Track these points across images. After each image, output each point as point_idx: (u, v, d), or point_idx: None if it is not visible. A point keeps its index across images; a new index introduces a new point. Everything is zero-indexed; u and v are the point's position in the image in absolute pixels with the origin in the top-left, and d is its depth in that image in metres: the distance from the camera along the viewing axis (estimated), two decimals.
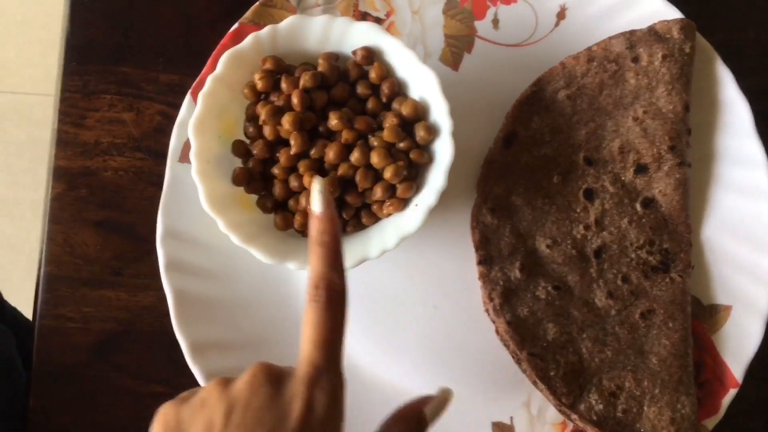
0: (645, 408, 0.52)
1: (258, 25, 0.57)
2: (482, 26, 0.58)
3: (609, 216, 0.55)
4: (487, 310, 0.54)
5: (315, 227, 0.42)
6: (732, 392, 0.53)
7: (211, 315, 0.56)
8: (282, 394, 0.39)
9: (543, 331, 0.53)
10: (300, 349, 0.40)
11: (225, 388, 0.39)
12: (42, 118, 1.40)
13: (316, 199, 0.43)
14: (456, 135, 0.50)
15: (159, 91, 0.60)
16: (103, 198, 0.60)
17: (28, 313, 0.74)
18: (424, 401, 0.42)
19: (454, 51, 0.58)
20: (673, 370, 0.52)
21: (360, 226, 0.52)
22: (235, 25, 0.57)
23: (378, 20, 0.58)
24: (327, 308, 0.40)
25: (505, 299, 0.53)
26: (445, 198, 0.50)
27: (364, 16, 0.58)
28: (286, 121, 0.50)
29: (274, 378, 0.39)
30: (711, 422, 0.54)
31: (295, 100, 0.50)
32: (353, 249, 0.50)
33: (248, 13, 0.57)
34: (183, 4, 0.61)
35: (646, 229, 0.54)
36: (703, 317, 0.55)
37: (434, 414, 0.42)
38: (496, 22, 0.58)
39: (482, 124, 0.57)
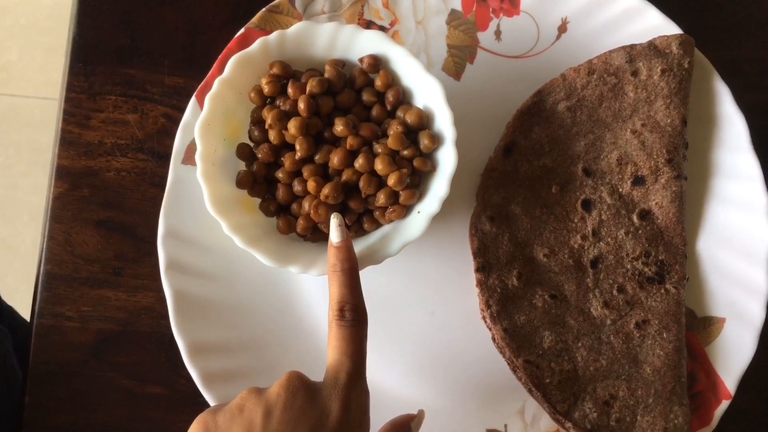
0: (638, 417, 0.53)
1: (264, 30, 0.58)
2: (485, 37, 0.59)
3: (606, 227, 0.55)
4: (484, 317, 0.55)
5: (335, 255, 0.48)
6: (725, 404, 0.54)
7: (210, 317, 0.56)
8: (318, 398, 0.43)
9: (539, 339, 0.54)
10: (330, 361, 0.45)
11: (260, 393, 0.44)
12: (42, 121, 1.40)
13: (335, 231, 0.49)
14: (457, 144, 0.51)
15: (163, 94, 0.61)
16: (105, 198, 0.60)
17: (23, 314, 0.75)
18: (410, 417, 0.50)
19: (457, 61, 0.59)
20: (666, 380, 0.53)
21: (362, 232, 0.53)
22: (242, 30, 0.58)
23: (382, 29, 0.59)
24: (354, 326, 0.46)
25: (502, 307, 0.54)
26: (445, 205, 0.51)
27: (368, 25, 0.59)
28: (292, 125, 0.50)
29: (309, 384, 0.44)
30: None
31: (301, 105, 0.50)
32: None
33: (254, 19, 0.58)
34: (189, 8, 0.62)
35: (642, 241, 0.55)
36: (696, 329, 0.55)
37: (417, 427, 0.50)
38: (498, 33, 0.59)
39: (483, 133, 0.58)
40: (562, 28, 0.59)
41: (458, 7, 0.59)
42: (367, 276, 0.55)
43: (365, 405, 0.46)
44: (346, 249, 0.48)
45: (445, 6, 0.59)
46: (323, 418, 0.43)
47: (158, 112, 0.61)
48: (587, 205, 0.56)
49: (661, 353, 0.53)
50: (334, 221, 0.49)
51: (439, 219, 0.52)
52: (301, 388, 0.43)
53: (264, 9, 0.58)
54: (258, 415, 0.42)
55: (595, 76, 0.56)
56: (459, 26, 0.59)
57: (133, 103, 0.61)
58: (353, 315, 0.46)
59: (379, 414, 0.55)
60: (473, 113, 0.58)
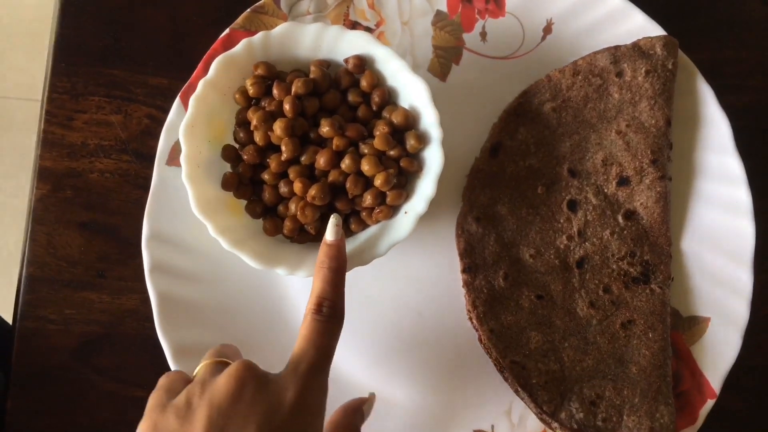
0: (624, 417, 0.53)
1: (249, 31, 0.57)
2: (470, 38, 0.59)
3: (591, 227, 0.55)
4: (470, 318, 0.55)
5: (326, 253, 0.48)
6: (710, 402, 0.54)
7: (194, 319, 0.56)
8: (270, 386, 0.42)
9: (526, 340, 0.54)
10: (295, 349, 0.44)
11: (206, 386, 0.42)
12: (25, 123, 1.39)
13: (332, 230, 0.48)
14: (443, 144, 0.51)
15: (147, 94, 0.60)
16: (89, 200, 0.59)
17: (5, 317, 0.74)
18: (362, 400, 0.50)
19: (443, 62, 0.59)
20: (652, 379, 0.53)
21: (349, 233, 0.53)
22: (226, 31, 0.57)
23: (368, 30, 0.59)
24: (328, 321, 0.45)
25: (488, 307, 0.54)
26: (431, 206, 0.51)
27: (354, 26, 0.59)
28: (278, 127, 0.50)
29: (259, 373, 0.43)
30: None
31: (287, 106, 0.50)
32: None
33: (239, 20, 0.57)
34: (174, 8, 0.61)
35: (627, 241, 0.55)
36: (682, 328, 0.56)
37: (368, 410, 0.50)
38: (483, 34, 0.59)
39: (469, 134, 0.58)
40: (547, 30, 0.59)
41: (443, 8, 0.59)
42: (354, 276, 0.55)
43: (322, 399, 0.44)
44: (338, 248, 0.48)
45: (431, 7, 0.59)
46: (276, 405, 0.41)
47: (142, 113, 0.60)
48: (573, 205, 0.56)
49: (647, 353, 0.54)
50: (333, 220, 0.48)
51: (425, 220, 0.52)
52: (250, 378, 0.42)
53: (249, 9, 0.58)
54: (205, 410, 0.40)
55: (580, 77, 0.56)
56: (444, 27, 0.59)
57: (117, 104, 0.60)
58: (330, 311, 0.45)
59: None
60: (459, 114, 0.58)
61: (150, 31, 0.61)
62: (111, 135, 0.60)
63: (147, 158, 0.60)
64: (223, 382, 0.42)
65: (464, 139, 0.58)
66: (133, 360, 0.59)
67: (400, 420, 0.56)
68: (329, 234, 0.48)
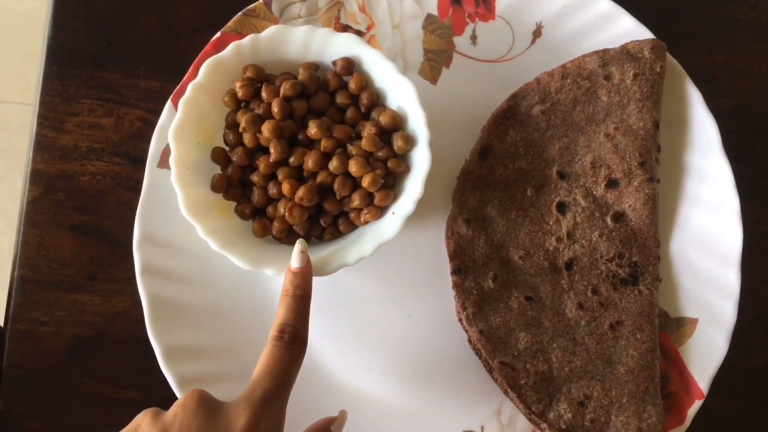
0: (612, 417, 0.53)
1: (240, 34, 0.58)
2: (461, 42, 0.59)
3: (580, 229, 0.56)
4: (460, 320, 0.55)
5: (290, 280, 0.48)
6: (697, 403, 0.55)
7: (185, 320, 0.56)
8: (222, 416, 0.42)
9: (515, 341, 0.54)
10: (252, 377, 0.44)
11: (157, 416, 0.42)
12: (19, 126, 1.39)
13: (296, 257, 0.48)
14: (433, 147, 0.51)
15: (139, 97, 0.61)
16: (81, 202, 0.60)
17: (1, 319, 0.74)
18: (330, 420, 0.50)
19: (433, 65, 0.59)
20: (640, 380, 0.53)
21: (337, 234, 0.53)
22: (218, 34, 0.58)
23: (359, 33, 0.59)
24: (288, 348, 0.45)
25: (478, 309, 0.54)
26: (422, 208, 0.51)
27: (345, 29, 0.59)
28: (266, 129, 0.50)
29: (210, 403, 0.42)
30: None
31: (275, 108, 0.51)
32: (331, 256, 0.51)
33: (231, 23, 0.58)
34: (166, 12, 0.62)
35: (615, 243, 0.56)
36: (670, 329, 0.56)
37: (338, 428, 0.49)
38: (474, 38, 0.59)
39: (459, 136, 0.58)
40: (537, 33, 0.59)
41: (434, 11, 0.59)
42: (343, 278, 0.55)
43: (275, 428, 0.43)
44: (303, 276, 0.48)
45: (421, 10, 0.59)
46: None
47: (134, 116, 0.61)
48: (562, 207, 0.56)
49: (635, 354, 0.54)
50: (298, 247, 0.48)
51: (415, 222, 0.52)
52: (201, 406, 0.42)
53: (240, 13, 0.58)
54: None
55: (569, 80, 0.57)
56: (435, 31, 0.59)
57: (109, 107, 0.61)
58: (291, 338, 0.45)
59: (356, 416, 0.55)
60: (449, 117, 0.58)
61: (142, 34, 0.62)
62: (103, 138, 0.60)
63: (138, 161, 0.60)
64: (173, 411, 0.42)
65: (454, 141, 0.58)
66: (124, 362, 0.59)
67: (390, 421, 0.56)
68: (294, 261, 0.48)
